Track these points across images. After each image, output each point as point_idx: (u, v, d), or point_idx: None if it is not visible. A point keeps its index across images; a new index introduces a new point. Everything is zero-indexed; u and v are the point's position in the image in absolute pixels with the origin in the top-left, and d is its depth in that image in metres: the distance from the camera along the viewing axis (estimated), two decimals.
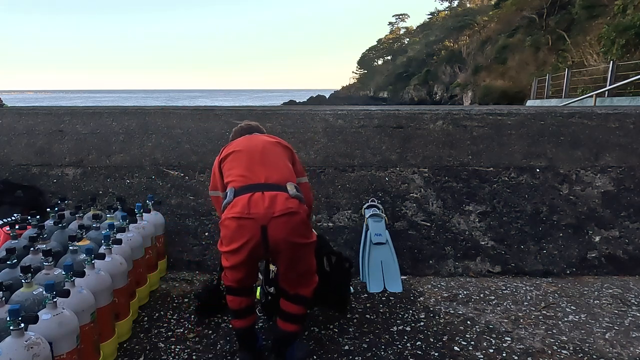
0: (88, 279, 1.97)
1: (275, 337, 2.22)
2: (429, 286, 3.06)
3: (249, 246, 1.89)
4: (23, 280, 1.77)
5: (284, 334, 2.14)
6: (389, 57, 73.57)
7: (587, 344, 2.32)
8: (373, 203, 3.32)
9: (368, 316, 2.62)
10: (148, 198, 3.11)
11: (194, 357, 2.22)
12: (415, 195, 3.47)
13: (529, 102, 16.65)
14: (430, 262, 3.30)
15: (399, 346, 2.31)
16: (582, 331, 2.45)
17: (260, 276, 2.61)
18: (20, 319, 1.48)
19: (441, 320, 2.57)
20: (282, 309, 2.14)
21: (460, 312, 2.68)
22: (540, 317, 2.61)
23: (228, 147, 2.24)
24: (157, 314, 2.64)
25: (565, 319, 2.59)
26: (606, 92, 10.76)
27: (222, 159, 2.19)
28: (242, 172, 2.03)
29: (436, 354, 2.24)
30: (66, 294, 1.71)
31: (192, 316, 2.61)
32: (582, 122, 3.65)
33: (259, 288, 2.79)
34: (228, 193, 1.97)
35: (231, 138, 2.44)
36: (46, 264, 1.95)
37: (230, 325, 2.18)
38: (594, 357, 2.21)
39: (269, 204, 1.88)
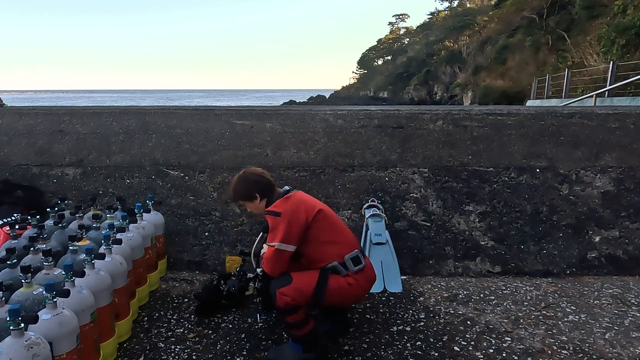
0: (88, 279, 1.97)
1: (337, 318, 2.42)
2: (429, 286, 3.06)
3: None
4: (23, 280, 1.77)
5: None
6: (389, 57, 73.60)
7: (587, 344, 2.32)
8: (373, 203, 3.32)
9: (368, 316, 2.63)
10: (148, 198, 3.11)
11: (194, 357, 2.22)
12: (415, 195, 3.47)
13: (529, 102, 16.64)
14: (430, 262, 3.30)
15: (399, 346, 2.31)
16: (582, 331, 2.46)
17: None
18: (20, 319, 1.48)
19: (441, 320, 2.57)
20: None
21: (460, 312, 2.68)
22: (540, 317, 2.61)
23: (306, 206, 2.21)
24: (157, 314, 2.64)
25: (565, 319, 2.59)
26: (606, 92, 10.75)
27: (314, 216, 2.18)
28: (350, 235, 2.32)
29: (436, 354, 2.24)
30: (66, 294, 1.71)
31: (192, 316, 2.62)
32: (582, 122, 3.64)
33: (251, 286, 2.80)
34: (359, 257, 2.20)
35: (260, 189, 2.32)
36: (46, 264, 1.95)
37: (304, 333, 2.14)
38: (594, 357, 2.21)
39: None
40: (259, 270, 2.37)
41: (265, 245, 2.29)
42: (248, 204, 2.37)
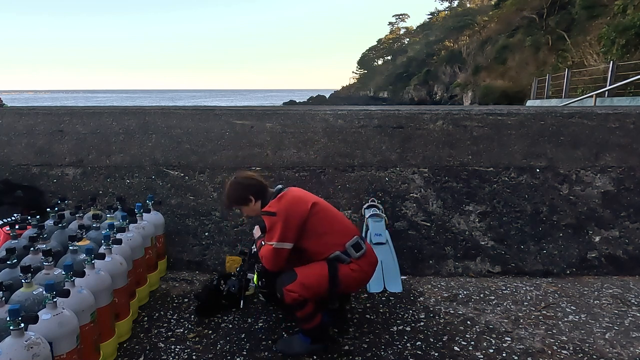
0: (88, 279, 1.97)
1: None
2: (429, 286, 3.06)
3: None
4: (23, 280, 1.77)
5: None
6: (389, 57, 73.60)
7: (587, 344, 2.32)
8: (373, 203, 3.32)
9: (368, 316, 2.63)
10: (148, 198, 3.11)
11: (194, 357, 2.22)
12: (415, 195, 3.47)
13: (529, 102, 16.64)
14: (430, 262, 3.30)
15: (399, 346, 2.31)
16: (582, 331, 2.46)
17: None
18: (20, 319, 1.48)
19: (441, 320, 2.57)
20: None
21: (460, 312, 2.68)
22: (540, 317, 2.61)
23: (300, 201, 2.24)
24: (157, 314, 2.65)
25: (565, 319, 2.59)
26: (606, 92, 10.74)
27: (309, 211, 2.21)
28: (347, 222, 2.36)
29: (436, 354, 2.24)
30: (66, 294, 1.71)
31: (192, 316, 2.62)
32: (582, 122, 3.64)
33: (255, 275, 2.80)
34: (359, 242, 2.25)
35: (254, 192, 2.35)
36: (46, 264, 1.95)
37: (312, 326, 2.23)
38: (594, 357, 2.22)
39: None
40: (258, 266, 2.42)
41: (261, 242, 2.33)
42: (244, 207, 2.39)
